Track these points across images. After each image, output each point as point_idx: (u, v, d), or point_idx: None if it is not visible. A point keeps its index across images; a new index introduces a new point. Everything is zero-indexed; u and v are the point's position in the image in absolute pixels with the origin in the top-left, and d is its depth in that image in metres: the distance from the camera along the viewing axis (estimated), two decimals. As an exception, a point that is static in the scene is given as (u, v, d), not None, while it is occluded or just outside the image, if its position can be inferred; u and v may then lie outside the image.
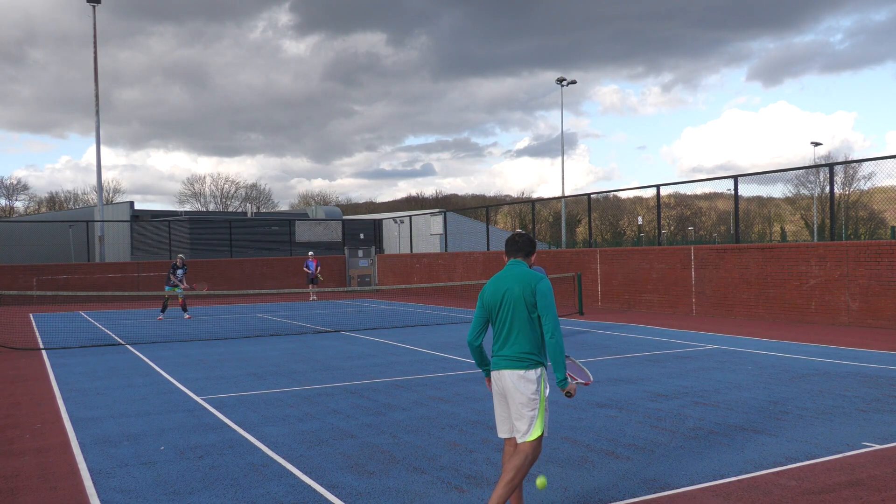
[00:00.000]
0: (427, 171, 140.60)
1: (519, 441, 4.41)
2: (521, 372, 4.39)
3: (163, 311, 21.00)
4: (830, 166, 18.41)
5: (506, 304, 4.47)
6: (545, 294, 4.40)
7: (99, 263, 31.44)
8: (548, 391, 4.47)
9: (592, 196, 25.06)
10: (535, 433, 4.36)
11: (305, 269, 29.23)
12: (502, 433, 4.58)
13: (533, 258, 4.72)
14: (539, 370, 4.42)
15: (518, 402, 4.39)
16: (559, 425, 7.18)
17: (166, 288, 20.83)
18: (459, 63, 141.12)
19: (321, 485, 5.48)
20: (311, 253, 29.64)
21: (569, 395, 4.45)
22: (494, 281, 4.61)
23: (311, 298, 29.38)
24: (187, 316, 21.05)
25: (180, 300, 21.34)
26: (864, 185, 51.54)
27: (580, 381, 4.66)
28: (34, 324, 20.25)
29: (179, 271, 20.92)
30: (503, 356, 4.47)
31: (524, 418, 4.37)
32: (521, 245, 4.67)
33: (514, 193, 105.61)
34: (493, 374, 4.57)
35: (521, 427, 4.38)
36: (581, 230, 62.67)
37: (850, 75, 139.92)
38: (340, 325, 18.46)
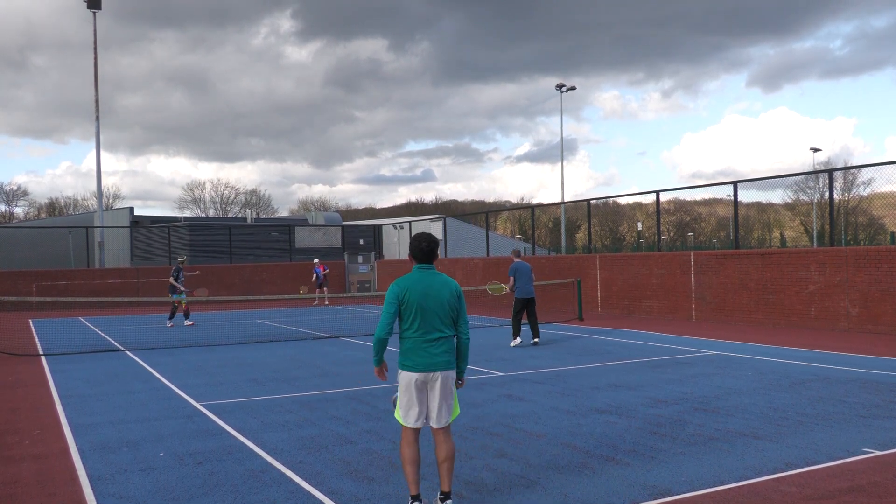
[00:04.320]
0: (427, 177, 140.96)
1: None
2: None
3: (171, 317, 20.91)
4: (830, 172, 18.44)
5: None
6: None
7: (99, 269, 31.45)
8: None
9: (592, 202, 25.09)
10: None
11: (314, 274, 29.47)
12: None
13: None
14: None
15: None
16: (559, 431, 7.17)
17: (173, 296, 20.58)
18: (460, 69, 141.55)
19: (321, 491, 5.47)
20: (316, 260, 30.28)
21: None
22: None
23: (323, 303, 29.47)
24: (188, 322, 21.00)
25: (184, 306, 21.23)
26: (864, 191, 51.62)
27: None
28: (34, 329, 20.23)
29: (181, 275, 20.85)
30: None
31: None
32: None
33: (514, 199, 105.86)
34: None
35: None
36: (581, 236, 62.78)
37: (849, 81, 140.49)
38: (340, 330, 18.44)
